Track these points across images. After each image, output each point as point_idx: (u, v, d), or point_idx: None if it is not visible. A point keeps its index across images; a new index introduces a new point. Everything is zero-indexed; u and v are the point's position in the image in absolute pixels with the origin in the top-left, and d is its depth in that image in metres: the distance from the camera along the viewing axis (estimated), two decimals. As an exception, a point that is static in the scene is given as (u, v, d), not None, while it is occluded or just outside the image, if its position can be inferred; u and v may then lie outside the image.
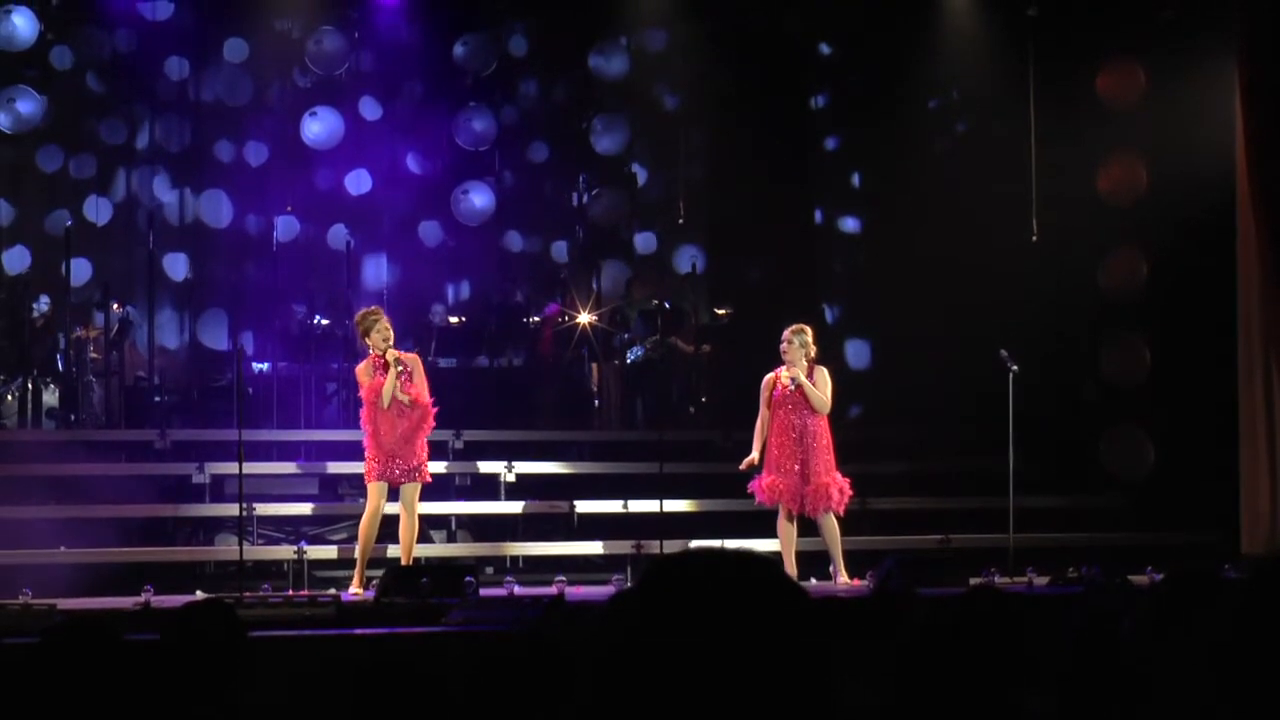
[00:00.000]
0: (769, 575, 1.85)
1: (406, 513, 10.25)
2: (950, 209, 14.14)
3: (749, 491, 10.62)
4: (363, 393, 10.30)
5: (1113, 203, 13.61)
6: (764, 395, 10.61)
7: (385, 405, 10.14)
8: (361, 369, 10.38)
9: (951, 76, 14.89)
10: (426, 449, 10.37)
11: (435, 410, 10.35)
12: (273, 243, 14.46)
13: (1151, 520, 12.38)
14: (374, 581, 9.67)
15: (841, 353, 15.34)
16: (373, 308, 10.69)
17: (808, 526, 10.65)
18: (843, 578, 10.43)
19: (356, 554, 10.33)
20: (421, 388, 10.32)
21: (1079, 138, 13.52)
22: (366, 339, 10.33)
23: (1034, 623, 3.48)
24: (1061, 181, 13.47)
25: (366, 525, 10.24)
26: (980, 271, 13.62)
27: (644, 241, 16.36)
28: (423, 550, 10.97)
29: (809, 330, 10.65)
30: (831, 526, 10.53)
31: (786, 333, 10.61)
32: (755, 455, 10.57)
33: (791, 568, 10.16)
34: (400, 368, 10.18)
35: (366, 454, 10.30)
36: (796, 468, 10.48)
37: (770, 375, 10.66)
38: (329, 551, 11.43)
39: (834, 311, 16.20)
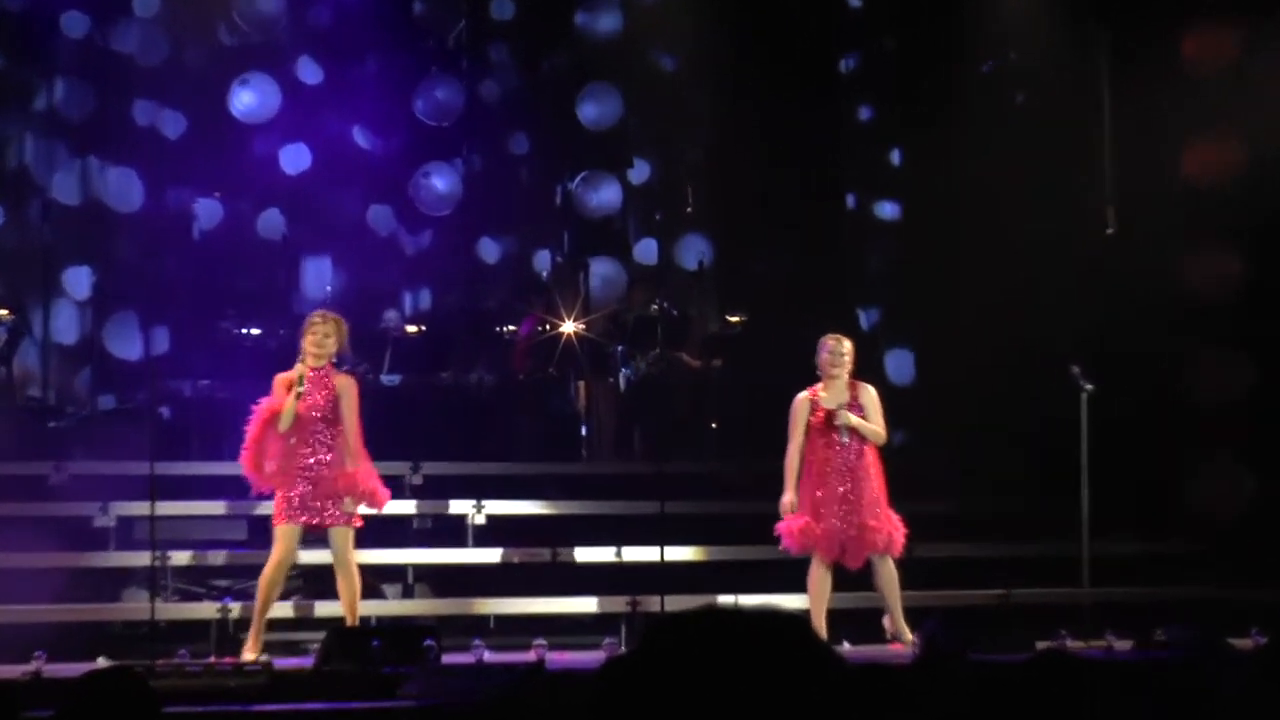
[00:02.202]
0: (796, 637, 1.84)
1: (338, 564, 10.09)
2: (1007, 194, 14.16)
3: (775, 535, 10.53)
4: (264, 401, 10.10)
5: (1203, 188, 13.63)
6: (797, 419, 10.45)
7: (282, 428, 10.01)
8: (279, 378, 10.16)
9: (1009, 36, 14.92)
10: (368, 483, 10.11)
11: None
12: (194, 231, 14.47)
13: (1252, 570, 12.37)
14: (314, 647, 9.66)
15: (881, 366, 15.35)
16: (319, 311, 10.61)
17: (842, 579, 10.59)
18: (905, 634, 10.34)
19: (254, 611, 10.10)
20: (351, 428, 10.03)
21: (1161, 111, 13.55)
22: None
23: (1113, 695, 3.47)
24: (1141, 163, 13.49)
25: (268, 576, 9.98)
26: (1044, 270, 13.64)
27: (640, 234, 16.38)
28: (372, 608, 10.94)
29: (848, 340, 10.60)
30: (889, 572, 10.47)
31: (829, 341, 10.51)
32: (792, 495, 10.44)
33: (821, 628, 10.09)
34: (304, 388, 10.05)
35: (251, 482, 10.11)
36: (838, 509, 10.40)
37: (804, 394, 10.52)
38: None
39: (870, 316, 16.23)
